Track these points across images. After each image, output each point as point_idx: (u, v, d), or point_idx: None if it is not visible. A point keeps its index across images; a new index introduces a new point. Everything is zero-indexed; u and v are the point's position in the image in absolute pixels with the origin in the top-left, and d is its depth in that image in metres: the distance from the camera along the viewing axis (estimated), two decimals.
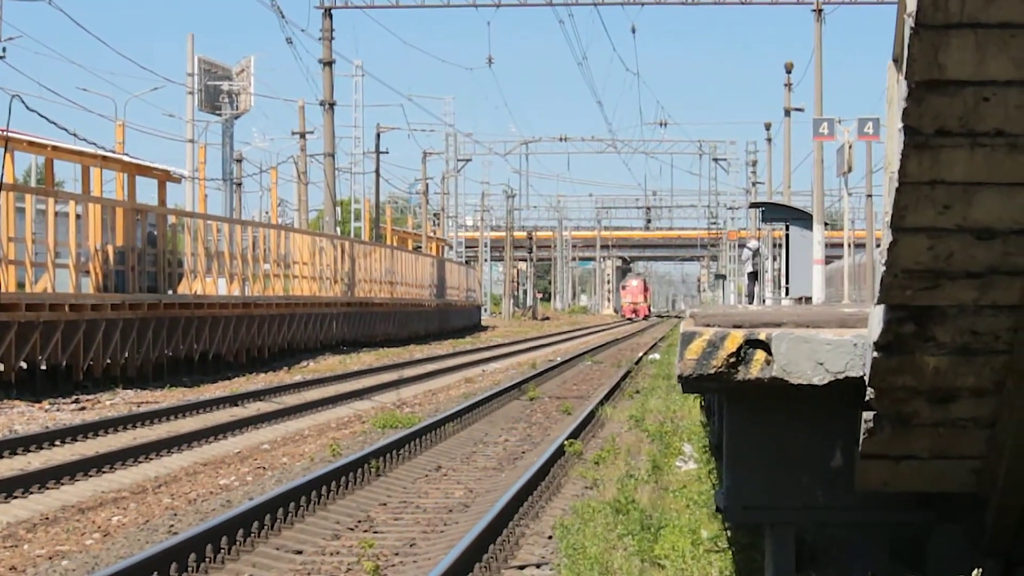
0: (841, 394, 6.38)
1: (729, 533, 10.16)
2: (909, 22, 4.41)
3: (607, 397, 26.66)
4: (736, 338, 6.40)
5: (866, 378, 5.84)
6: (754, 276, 52.42)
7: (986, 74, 4.49)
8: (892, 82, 5.55)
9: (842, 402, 6.45)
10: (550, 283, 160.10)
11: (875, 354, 5.60)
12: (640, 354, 46.24)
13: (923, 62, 4.48)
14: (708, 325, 6.57)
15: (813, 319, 6.79)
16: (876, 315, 5.54)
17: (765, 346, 6.37)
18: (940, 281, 5.17)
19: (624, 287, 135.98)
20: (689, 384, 6.58)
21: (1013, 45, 4.41)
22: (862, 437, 6.08)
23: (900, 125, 4.69)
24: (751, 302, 49.59)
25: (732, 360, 6.40)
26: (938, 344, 5.47)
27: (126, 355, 31.77)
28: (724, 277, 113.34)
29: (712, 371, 6.44)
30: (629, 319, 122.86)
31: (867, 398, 5.87)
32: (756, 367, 6.39)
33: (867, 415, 5.96)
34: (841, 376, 6.32)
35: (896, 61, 5.31)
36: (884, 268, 5.14)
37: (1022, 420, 5.81)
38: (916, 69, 4.50)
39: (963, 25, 4.37)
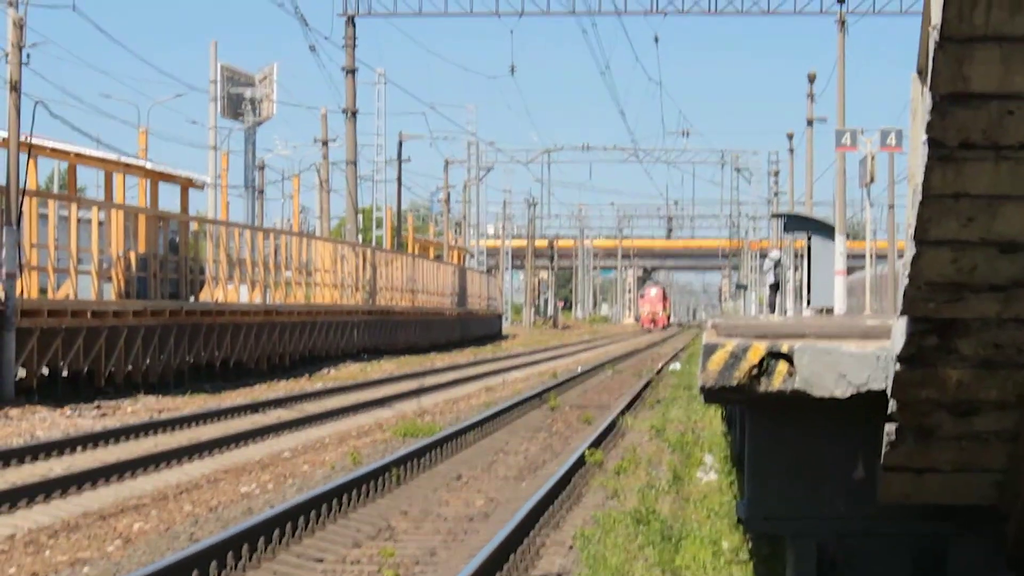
0: (863, 406, 6.37)
1: (750, 544, 10.16)
2: (934, 35, 4.41)
3: (628, 407, 26.64)
4: (759, 350, 6.40)
5: (889, 390, 5.83)
6: (775, 287, 52.33)
7: (1011, 87, 4.48)
8: (916, 94, 5.53)
9: (864, 414, 6.44)
10: (571, 292, 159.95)
11: (898, 366, 5.59)
12: (660, 364, 46.19)
13: (947, 75, 4.47)
14: (730, 336, 6.57)
15: (836, 331, 6.78)
16: (899, 327, 5.53)
17: (788, 358, 6.37)
18: (963, 294, 5.16)
19: (642, 296, 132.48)
20: (711, 395, 6.57)
21: None
22: (885, 449, 6.07)
23: (924, 137, 4.68)
24: (772, 312, 49.51)
25: (754, 372, 6.39)
26: (961, 357, 5.46)
27: (147, 362, 31.84)
28: (745, 287, 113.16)
29: (734, 383, 6.43)
30: (648, 329, 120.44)
31: (890, 411, 5.86)
32: (778, 379, 6.38)
33: (890, 427, 5.95)
34: (863, 388, 6.30)
35: (920, 73, 5.31)
36: (907, 280, 5.14)
37: None
38: (940, 81, 4.49)
39: (988, 38, 4.37)
